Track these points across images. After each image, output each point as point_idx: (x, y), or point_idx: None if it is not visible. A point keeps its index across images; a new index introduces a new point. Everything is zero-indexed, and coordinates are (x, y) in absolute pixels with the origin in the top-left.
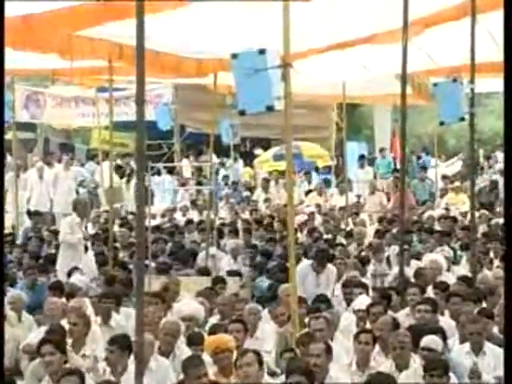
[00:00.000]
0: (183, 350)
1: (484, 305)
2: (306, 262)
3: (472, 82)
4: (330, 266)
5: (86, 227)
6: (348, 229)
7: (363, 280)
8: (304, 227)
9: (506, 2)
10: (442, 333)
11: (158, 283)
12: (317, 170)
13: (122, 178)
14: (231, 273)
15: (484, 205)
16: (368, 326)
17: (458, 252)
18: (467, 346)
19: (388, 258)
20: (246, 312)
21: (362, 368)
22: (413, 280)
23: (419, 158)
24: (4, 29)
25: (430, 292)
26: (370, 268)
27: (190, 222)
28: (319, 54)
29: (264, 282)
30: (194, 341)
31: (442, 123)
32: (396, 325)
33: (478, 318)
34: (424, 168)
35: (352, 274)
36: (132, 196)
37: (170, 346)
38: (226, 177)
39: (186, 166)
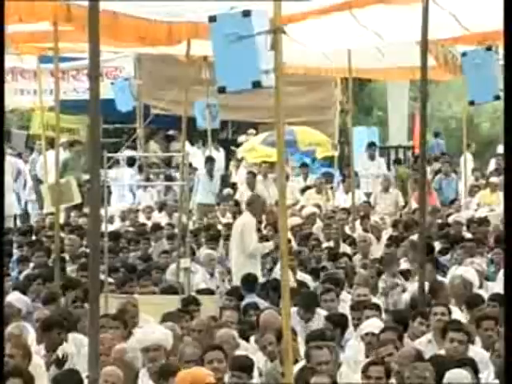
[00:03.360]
0: None
1: None
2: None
3: None
4: (318, 310)
5: (28, 232)
6: (355, 235)
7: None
8: (299, 233)
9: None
10: (472, 365)
11: (117, 304)
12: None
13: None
14: (204, 291)
15: None
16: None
17: (493, 265)
18: None
19: (408, 272)
20: (217, 340)
21: None
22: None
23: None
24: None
25: (458, 314)
26: (380, 284)
27: (156, 226)
28: (319, 17)
29: (249, 302)
30: (166, 374)
31: (472, 103)
32: (420, 358)
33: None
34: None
35: (360, 292)
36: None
37: (131, 381)
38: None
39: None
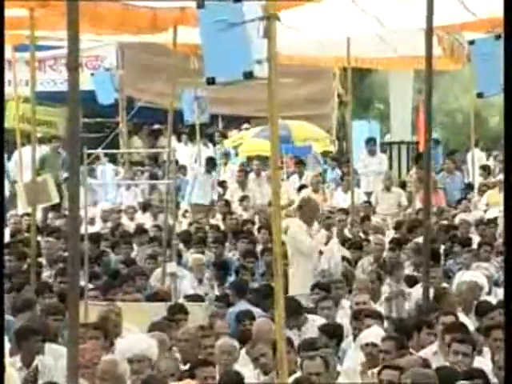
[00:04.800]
0: None
1: None
2: None
3: None
4: (310, 316)
5: None
6: (352, 237)
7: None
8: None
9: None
10: (482, 377)
11: (98, 312)
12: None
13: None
14: (191, 298)
15: None
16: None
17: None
18: None
19: (412, 277)
20: (217, 350)
21: None
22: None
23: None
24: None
25: (466, 322)
26: (383, 290)
27: (140, 228)
28: (316, 2)
29: (241, 310)
30: None
31: (480, 95)
32: (427, 367)
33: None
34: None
35: (359, 299)
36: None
37: None
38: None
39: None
